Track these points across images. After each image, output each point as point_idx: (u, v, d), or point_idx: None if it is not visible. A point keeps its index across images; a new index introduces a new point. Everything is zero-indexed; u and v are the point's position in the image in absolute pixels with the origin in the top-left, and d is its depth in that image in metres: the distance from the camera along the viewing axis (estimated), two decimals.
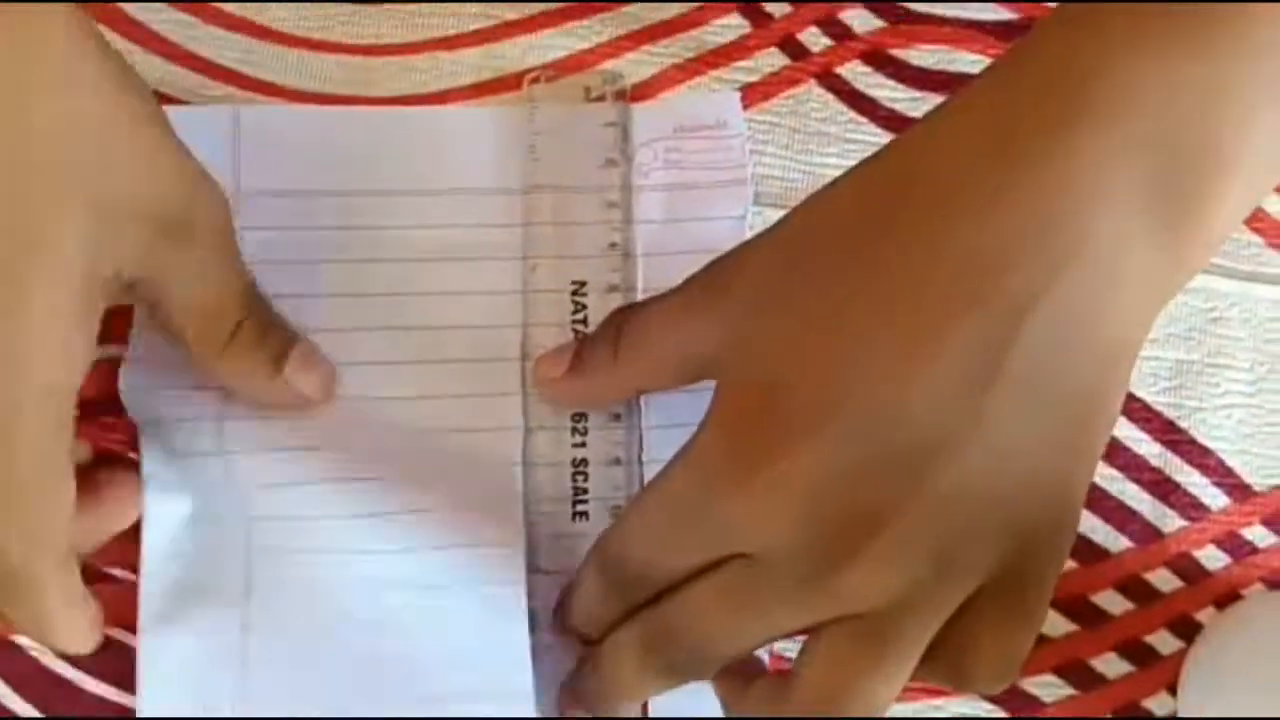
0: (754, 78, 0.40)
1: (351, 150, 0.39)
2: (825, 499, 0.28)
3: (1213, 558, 0.40)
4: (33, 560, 0.32)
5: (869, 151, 0.30)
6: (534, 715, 0.36)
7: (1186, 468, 0.40)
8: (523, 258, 0.38)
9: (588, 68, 0.40)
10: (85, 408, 0.32)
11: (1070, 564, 0.40)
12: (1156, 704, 0.40)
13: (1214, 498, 0.40)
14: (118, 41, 0.39)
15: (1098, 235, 0.27)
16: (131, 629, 0.36)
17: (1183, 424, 0.41)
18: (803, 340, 0.29)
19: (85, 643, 0.34)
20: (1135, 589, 0.40)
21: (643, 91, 0.40)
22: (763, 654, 0.36)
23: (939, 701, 0.39)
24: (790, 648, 0.36)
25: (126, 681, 0.36)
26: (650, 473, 0.35)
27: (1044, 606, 0.30)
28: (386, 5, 0.40)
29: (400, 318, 0.38)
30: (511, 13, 0.40)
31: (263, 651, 0.35)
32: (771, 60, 0.41)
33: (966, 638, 0.29)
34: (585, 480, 0.38)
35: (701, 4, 0.41)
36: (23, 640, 0.37)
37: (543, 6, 0.40)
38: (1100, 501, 0.40)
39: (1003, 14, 0.41)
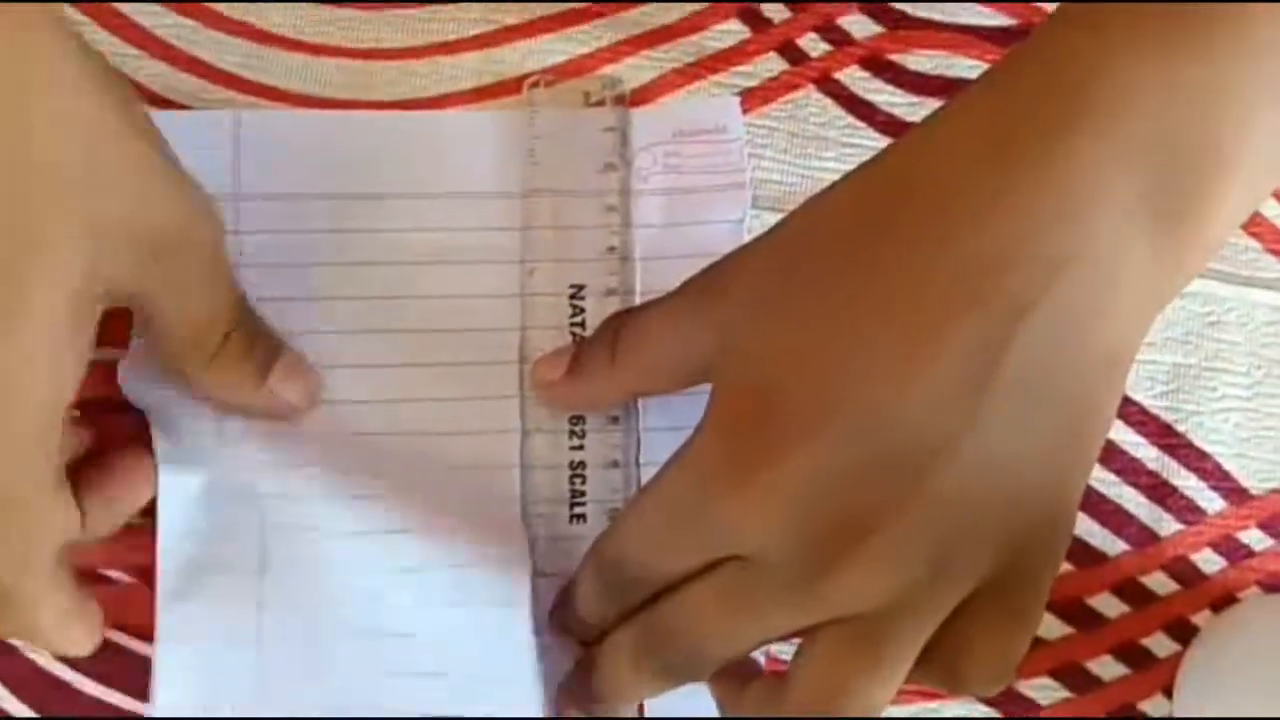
0: (753, 83, 0.41)
1: (352, 154, 0.38)
2: (821, 501, 0.28)
3: (1209, 561, 0.40)
4: (23, 582, 0.32)
5: (867, 156, 0.31)
6: (534, 715, 0.36)
7: (1183, 471, 0.40)
8: (521, 261, 0.38)
9: (587, 72, 0.40)
10: (93, 406, 0.32)
11: (1066, 566, 0.40)
12: (1152, 707, 0.40)
13: (1210, 501, 0.40)
14: (119, 46, 0.39)
15: (1097, 237, 0.27)
16: (130, 631, 0.36)
17: (1180, 428, 0.41)
18: (800, 343, 0.29)
19: (83, 648, 0.34)
20: (1131, 592, 0.40)
21: (642, 96, 0.40)
22: (759, 655, 0.36)
23: (935, 704, 0.39)
24: (786, 650, 0.36)
25: (125, 683, 0.37)
26: (648, 475, 0.35)
27: (1039, 609, 0.30)
28: (387, 10, 0.40)
29: (399, 320, 0.38)
30: (511, 17, 0.40)
31: (277, 629, 0.35)
32: (770, 65, 0.41)
33: (962, 640, 0.29)
34: (583, 483, 0.38)
35: (701, 9, 0.41)
36: (19, 642, 0.37)
37: (543, 11, 0.40)
38: (1097, 505, 0.40)
39: (1000, 19, 0.42)
